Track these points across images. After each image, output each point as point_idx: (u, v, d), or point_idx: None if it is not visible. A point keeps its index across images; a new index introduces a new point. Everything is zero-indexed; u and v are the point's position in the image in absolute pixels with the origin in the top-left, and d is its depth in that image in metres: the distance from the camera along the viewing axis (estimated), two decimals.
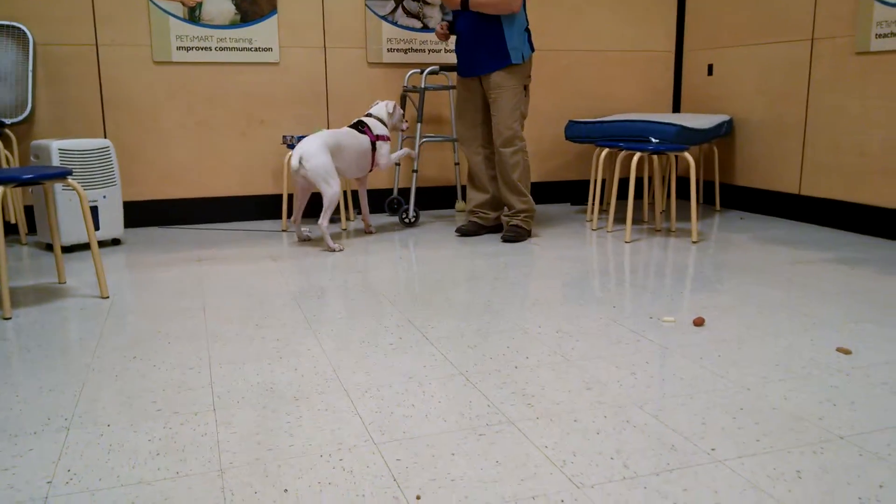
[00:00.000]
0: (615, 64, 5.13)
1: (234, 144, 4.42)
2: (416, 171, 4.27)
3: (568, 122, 4.58)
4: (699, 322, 2.42)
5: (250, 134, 4.43)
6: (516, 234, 3.87)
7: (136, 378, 2.01)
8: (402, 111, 4.11)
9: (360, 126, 3.90)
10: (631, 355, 2.15)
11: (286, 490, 1.42)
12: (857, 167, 3.92)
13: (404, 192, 4.75)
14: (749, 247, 3.64)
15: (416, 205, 4.34)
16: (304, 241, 3.93)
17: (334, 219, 4.47)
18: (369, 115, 3.99)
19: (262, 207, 4.54)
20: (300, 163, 3.58)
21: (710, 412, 1.76)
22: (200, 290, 2.92)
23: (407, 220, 4.30)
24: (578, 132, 4.49)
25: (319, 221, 3.65)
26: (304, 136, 4.11)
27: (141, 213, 4.32)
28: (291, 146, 4.13)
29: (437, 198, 4.89)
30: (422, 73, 4.34)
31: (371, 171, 3.99)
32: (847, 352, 2.15)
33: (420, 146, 4.37)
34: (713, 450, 1.57)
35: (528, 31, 3.80)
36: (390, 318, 2.53)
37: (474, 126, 3.95)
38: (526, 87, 3.84)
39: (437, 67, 4.33)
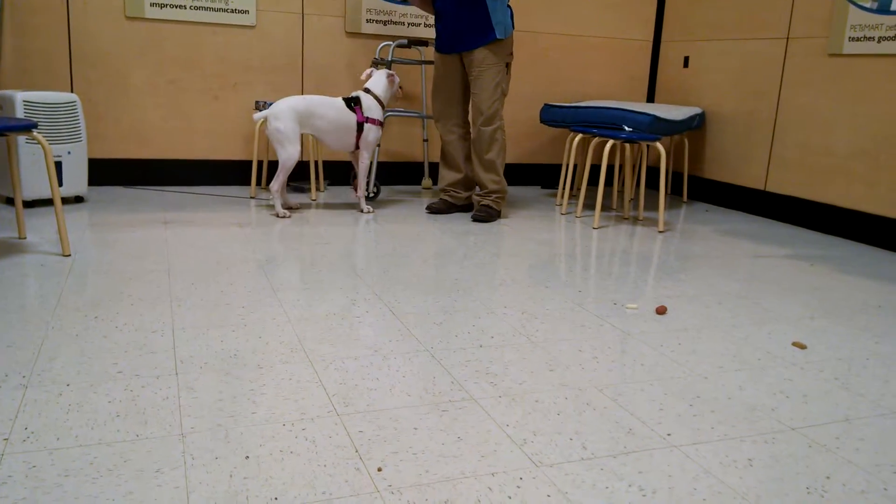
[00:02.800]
0: (593, 50, 5.14)
1: (205, 107, 4.34)
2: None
3: (543, 106, 4.59)
4: (661, 310, 2.46)
5: (222, 97, 4.36)
6: (487, 215, 3.88)
7: (97, 338, 1.98)
8: (398, 82, 3.94)
9: (353, 102, 3.76)
10: (594, 339, 2.18)
11: (247, 457, 1.43)
12: (822, 167, 4.00)
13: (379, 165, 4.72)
14: (713, 239, 3.70)
15: (378, 179, 4.30)
16: (291, 208, 3.89)
17: (304, 188, 4.43)
18: (368, 91, 3.80)
19: (232, 173, 4.48)
20: (266, 121, 3.62)
21: (668, 398, 1.80)
22: (165, 253, 2.88)
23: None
24: (553, 116, 4.51)
25: (270, 185, 3.67)
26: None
27: (106, 172, 4.23)
28: None
29: (403, 174, 4.87)
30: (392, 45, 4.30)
31: (356, 149, 3.84)
32: (802, 346, 2.21)
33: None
34: (669, 435, 1.61)
35: (509, 6, 3.77)
36: (357, 291, 2.53)
37: (451, 104, 3.93)
38: (508, 65, 3.81)
39: (405, 41, 4.28)
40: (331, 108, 3.72)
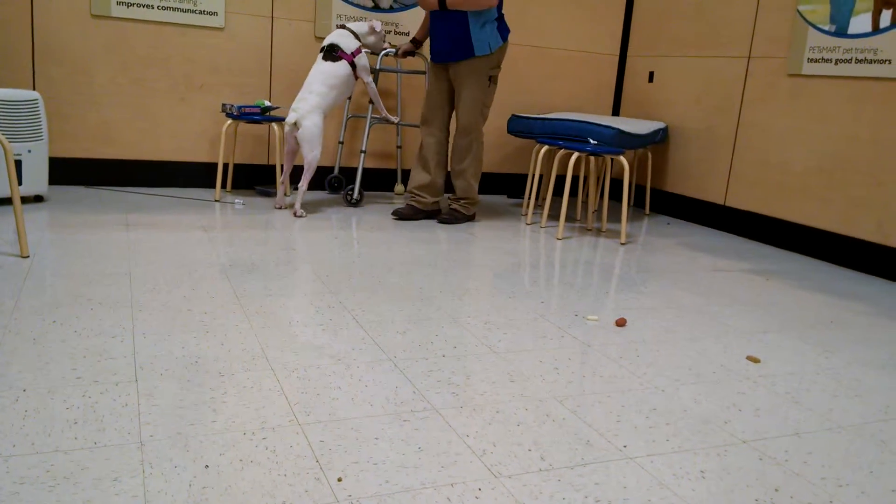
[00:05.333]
0: (560, 62, 5.20)
1: (170, 108, 4.30)
2: (364, 152, 4.25)
3: (511, 116, 4.64)
4: (621, 323, 2.51)
5: (189, 99, 4.32)
6: (453, 217, 4.02)
7: (55, 343, 1.96)
8: (382, 35, 4.17)
9: (332, 53, 3.93)
10: (555, 350, 2.22)
11: (207, 466, 1.42)
12: (780, 184, 4.11)
13: (345, 171, 4.72)
14: (673, 252, 3.78)
15: (362, 185, 4.33)
16: (280, 208, 4.02)
17: (270, 192, 4.41)
18: (343, 27, 4.00)
19: (197, 175, 4.44)
20: (295, 124, 3.79)
21: (625, 411, 1.84)
22: (127, 256, 2.85)
23: (351, 200, 4.29)
24: (520, 127, 4.55)
25: (300, 184, 3.89)
26: (244, 106, 4.04)
27: (68, 171, 4.16)
28: (231, 115, 4.05)
29: (375, 179, 4.88)
30: (377, 54, 4.33)
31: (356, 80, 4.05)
32: (756, 360, 2.27)
33: (370, 128, 4.39)
34: (625, 447, 1.65)
35: (500, 20, 3.89)
36: (321, 299, 2.53)
37: (435, 109, 4.05)
38: (491, 78, 3.94)
39: (392, 50, 4.31)
40: (334, 76, 3.90)
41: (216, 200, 4.11)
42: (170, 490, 1.33)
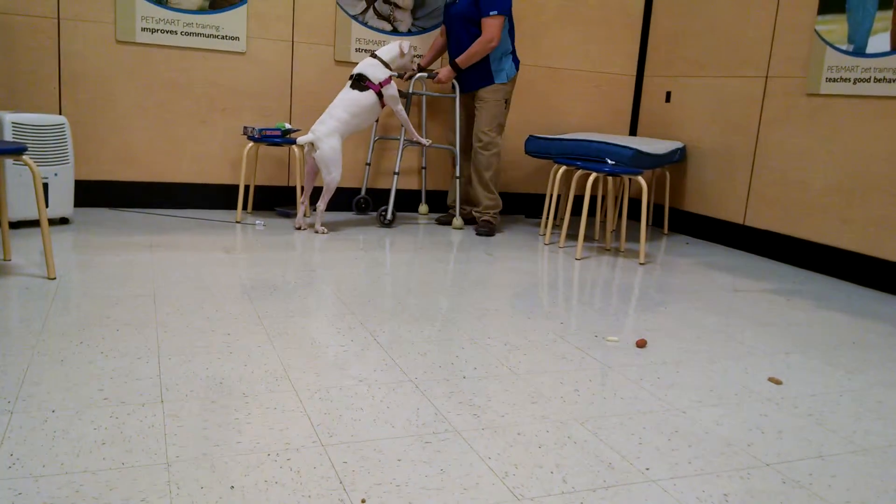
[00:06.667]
0: (578, 83, 5.24)
1: (193, 131, 4.37)
2: (397, 174, 4.33)
3: (528, 137, 4.67)
4: (641, 344, 2.51)
5: (211, 122, 4.39)
6: (488, 230, 4.40)
7: (83, 364, 1.99)
8: (412, 55, 4.25)
9: (360, 82, 4.00)
10: (575, 372, 2.22)
11: (232, 487, 1.44)
12: (799, 203, 4.10)
13: (372, 192, 4.78)
14: (692, 272, 3.77)
15: (387, 206, 4.38)
16: (299, 228, 4.11)
17: (290, 213, 4.46)
18: (374, 56, 4.06)
19: (218, 197, 4.50)
20: (311, 146, 3.89)
21: (647, 432, 1.84)
22: (151, 278, 2.89)
23: (384, 220, 4.36)
24: (538, 147, 4.58)
25: (318, 204, 4.00)
26: (265, 129, 4.10)
27: (92, 194, 4.24)
28: (252, 137, 4.11)
29: (401, 201, 4.92)
30: (408, 77, 4.41)
31: (383, 108, 4.13)
32: (778, 382, 2.26)
33: (403, 150, 4.48)
34: (647, 469, 1.64)
35: (513, 53, 4.40)
36: (342, 320, 2.55)
37: (469, 136, 4.53)
38: (507, 101, 4.42)
39: (425, 74, 4.39)
40: (357, 104, 3.98)
41: (237, 222, 4.16)
42: None
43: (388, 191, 4.77)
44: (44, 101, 4.05)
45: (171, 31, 4.20)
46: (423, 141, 4.30)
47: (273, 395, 1.88)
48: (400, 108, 4.13)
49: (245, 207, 4.50)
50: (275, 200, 4.63)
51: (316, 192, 4.41)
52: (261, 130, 4.09)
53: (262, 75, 4.44)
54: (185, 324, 2.38)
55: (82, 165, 4.18)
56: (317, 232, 3.98)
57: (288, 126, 4.23)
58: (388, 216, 4.35)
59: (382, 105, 4.09)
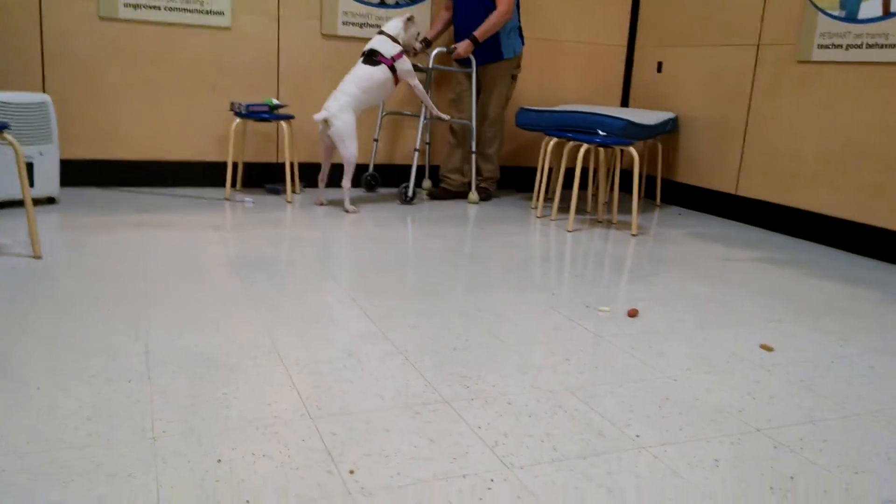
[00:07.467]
0: (569, 54, 5.18)
1: (179, 108, 4.32)
2: (417, 150, 4.32)
3: (519, 109, 4.62)
4: (633, 313, 2.50)
5: (197, 98, 4.34)
6: (486, 195, 4.67)
7: (69, 341, 1.97)
8: (416, 29, 4.16)
9: (372, 57, 3.95)
10: (566, 342, 2.21)
11: (220, 460, 1.43)
12: (791, 172, 4.08)
13: (380, 169, 4.78)
14: (685, 242, 3.76)
15: (408, 182, 4.35)
16: (321, 204, 4.12)
17: (279, 190, 4.42)
18: (381, 33, 4.01)
19: (206, 175, 4.46)
20: (326, 122, 3.85)
21: (638, 400, 1.83)
22: (138, 256, 2.86)
23: (406, 198, 4.35)
24: (529, 120, 4.54)
25: (343, 183, 3.96)
26: (252, 104, 4.05)
27: (79, 173, 4.19)
28: (239, 113, 4.06)
29: (401, 176, 4.89)
30: (415, 54, 4.36)
31: (396, 84, 4.06)
32: (769, 349, 2.26)
33: (423, 127, 4.44)
34: (638, 436, 1.64)
35: (520, 29, 4.49)
36: (332, 295, 2.53)
37: (467, 102, 4.52)
38: (514, 77, 4.57)
39: (444, 48, 4.37)
40: (369, 79, 3.93)
41: (226, 199, 4.12)
42: (182, 485, 1.34)
43: (399, 167, 4.81)
44: (26, 80, 3.99)
45: (155, 7, 4.13)
46: (444, 116, 4.27)
47: (261, 370, 1.87)
48: (417, 82, 4.09)
49: (234, 185, 4.46)
50: (263, 177, 4.59)
51: (334, 170, 4.37)
52: (248, 106, 4.04)
53: (248, 50, 4.38)
54: (172, 300, 2.36)
55: (68, 144, 4.13)
56: (346, 211, 3.95)
57: (276, 102, 4.18)
58: (410, 193, 4.34)
59: (396, 81, 4.04)
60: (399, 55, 3.99)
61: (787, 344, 2.32)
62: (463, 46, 4.31)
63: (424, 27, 4.62)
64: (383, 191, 4.76)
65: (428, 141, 4.83)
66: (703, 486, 1.44)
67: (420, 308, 2.44)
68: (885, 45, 3.55)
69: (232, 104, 4.12)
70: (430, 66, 4.38)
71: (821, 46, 3.88)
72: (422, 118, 4.32)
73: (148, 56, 4.19)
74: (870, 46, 3.62)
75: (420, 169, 4.91)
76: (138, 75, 4.19)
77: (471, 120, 4.48)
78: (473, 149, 4.52)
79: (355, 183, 4.65)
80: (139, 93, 4.21)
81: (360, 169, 4.72)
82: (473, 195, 4.55)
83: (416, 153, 4.32)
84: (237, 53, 4.36)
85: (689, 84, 4.79)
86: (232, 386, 1.77)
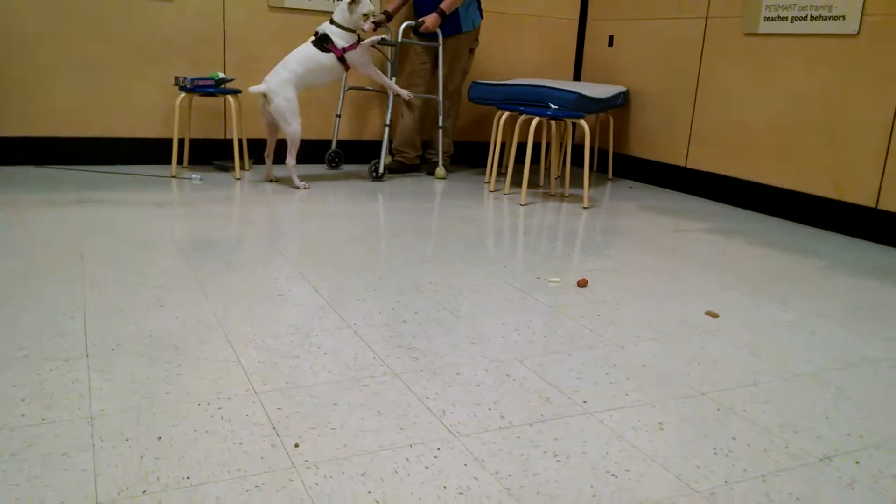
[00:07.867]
0: (520, 27, 5.16)
1: (122, 83, 4.18)
2: (388, 126, 4.25)
3: (471, 84, 4.59)
4: (582, 283, 2.51)
5: (140, 73, 4.20)
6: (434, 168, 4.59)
7: (4, 322, 1.90)
8: (363, 8, 3.85)
9: (323, 42, 3.85)
10: (517, 313, 2.21)
11: (160, 437, 1.39)
12: (739, 144, 4.14)
13: (343, 145, 4.71)
14: (636, 215, 3.79)
15: (378, 159, 4.30)
16: (271, 181, 4.06)
17: (228, 167, 4.33)
18: (332, 23, 3.89)
19: (153, 152, 4.34)
20: (265, 98, 3.75)
21: (586, 368, 1.84)
22: (78, 234, 2.78)
23: (376, 175, 4.29)
24: (481, 94, 4.51)
25: (287, 161, 3.88)
26: (198, 78, 3.95)
27: (17, 150, 4.04)
28: (184, 88, 3.95)
29: (361, 152, 4.82)
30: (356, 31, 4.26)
31: (347, 71, 3.98)
32: (715, 315, 2.29)
33: (394, 99, 4.35)
34: (585, 402, 1.65)
35: (479, 0, 4.48)
36: (280, 271, 2.49)
37: (425, 76, 4.50)
38: (472, 50, 4.55)
39: (412, 22, 4.29)
40: (315, 62, 3.83)
41: (173, 176, 4.02)
42: (120, 463, 1.30)
43: (368, 143, 4.76)
44: None
45: None
46: (404, 94, 4.19)
47: (205, 347, 1.83)
48: (372, 70, 3.99)
49: (181, 162, 4.35)
50: (211, 153, 4.49)
51: (280, 146, 4.27)
52: (193, 80, 3.93)
53: (192, 23, 4.26)
54: (113, 279, 2.29)
55: (4, 122, 3.97)
56: (297, 188, 3.88)
57: (222, 75, 4.07)
58: (381, 169, 4.28)
59: (347, 68, 3.95)
60: (351, 47, 3.88)
61: (732, 310, 2.36)
62: (431, 20, 4.25)
63: (379, 2, 4.55)
64: (348, 168, 4.69)
65: (388, 123, 4.76)
66: (646, 449, 1.46)
67: (370, 283, 2.42)
68: (829, 17, 3.61)
69: (176, 78, 4.00)
70: (399, 39, 4.30)
71: (767, 19, 3.92)
72: (390, 95, 4.27)
73: (86, 30, 4.04)
74: (814, 19, 3.68)
75: (377, 144, 4.86)
76: (77, 50, 4.04)
77: (435, 94, 4.46)
78: (441, 123, 4.48)
79: (318, 160, 4.59)
80: (79, 68, 4.07)
81: (324, 146, 4.64)
82: (441, 170, 4.53)
83: (387, 129, 4.26)
84: (181, 26, 4.23)
85: (640, 57, 4.82)
86: (175, 363, 1.72)
